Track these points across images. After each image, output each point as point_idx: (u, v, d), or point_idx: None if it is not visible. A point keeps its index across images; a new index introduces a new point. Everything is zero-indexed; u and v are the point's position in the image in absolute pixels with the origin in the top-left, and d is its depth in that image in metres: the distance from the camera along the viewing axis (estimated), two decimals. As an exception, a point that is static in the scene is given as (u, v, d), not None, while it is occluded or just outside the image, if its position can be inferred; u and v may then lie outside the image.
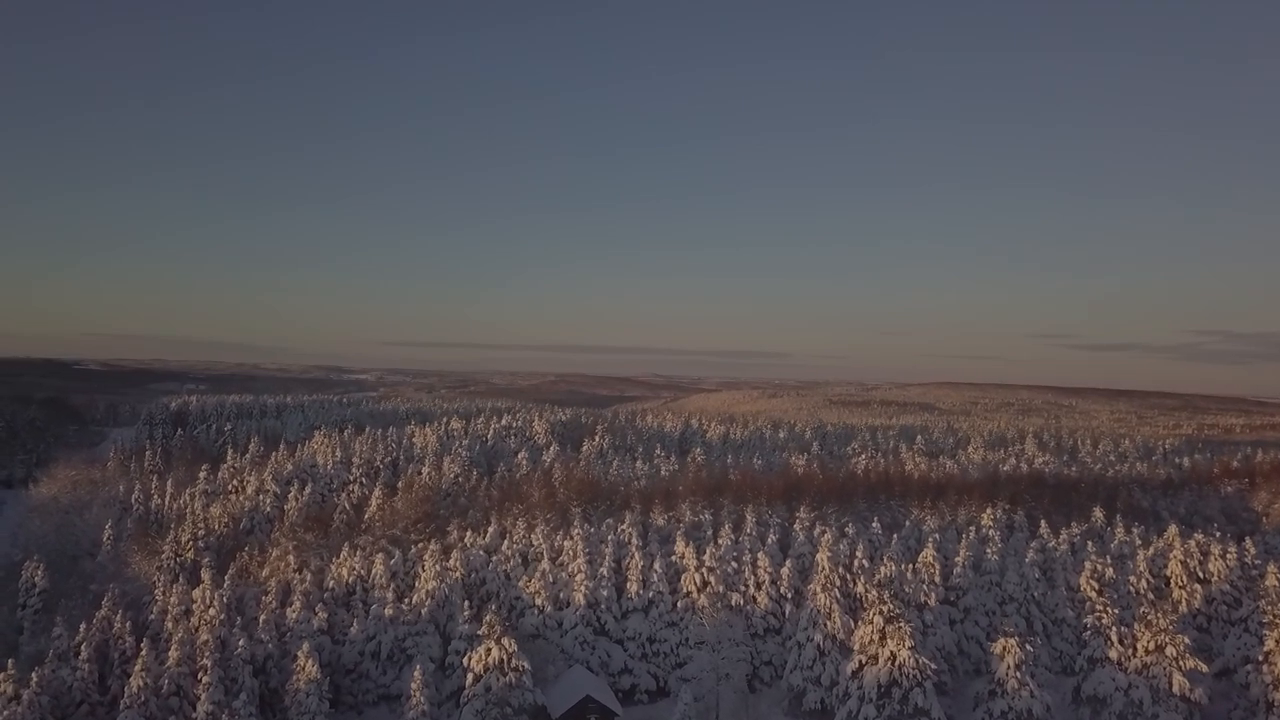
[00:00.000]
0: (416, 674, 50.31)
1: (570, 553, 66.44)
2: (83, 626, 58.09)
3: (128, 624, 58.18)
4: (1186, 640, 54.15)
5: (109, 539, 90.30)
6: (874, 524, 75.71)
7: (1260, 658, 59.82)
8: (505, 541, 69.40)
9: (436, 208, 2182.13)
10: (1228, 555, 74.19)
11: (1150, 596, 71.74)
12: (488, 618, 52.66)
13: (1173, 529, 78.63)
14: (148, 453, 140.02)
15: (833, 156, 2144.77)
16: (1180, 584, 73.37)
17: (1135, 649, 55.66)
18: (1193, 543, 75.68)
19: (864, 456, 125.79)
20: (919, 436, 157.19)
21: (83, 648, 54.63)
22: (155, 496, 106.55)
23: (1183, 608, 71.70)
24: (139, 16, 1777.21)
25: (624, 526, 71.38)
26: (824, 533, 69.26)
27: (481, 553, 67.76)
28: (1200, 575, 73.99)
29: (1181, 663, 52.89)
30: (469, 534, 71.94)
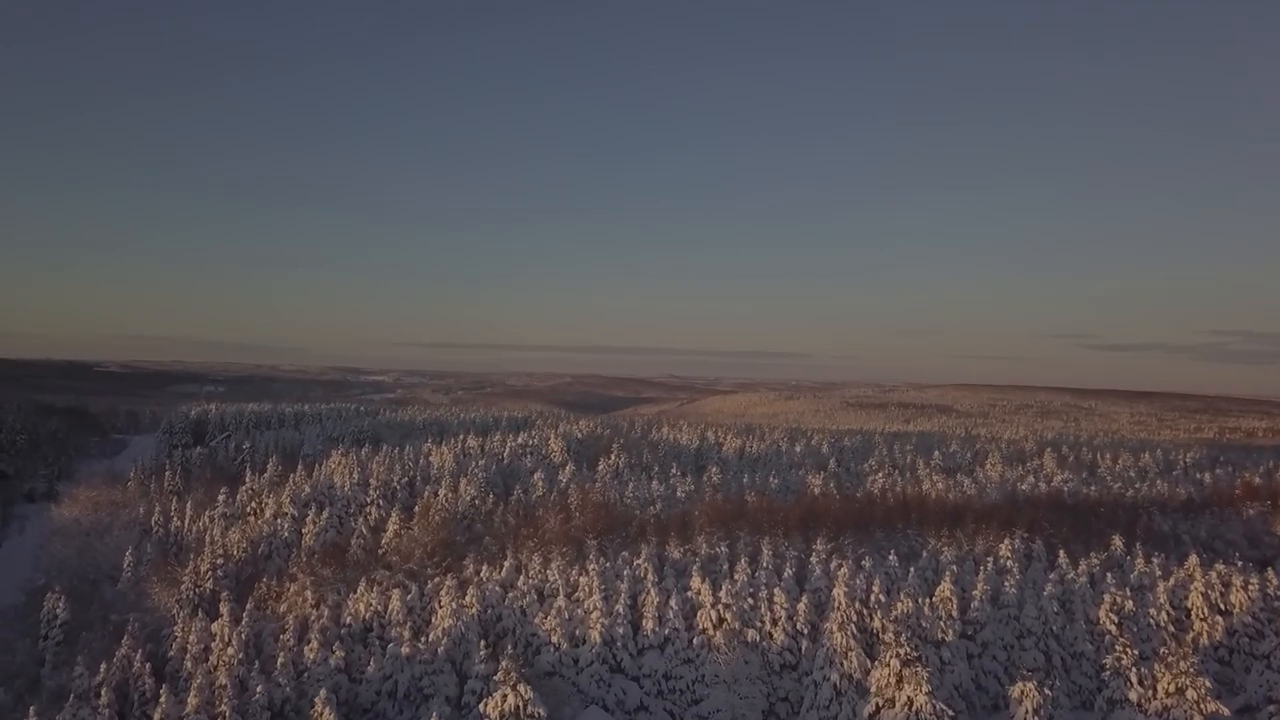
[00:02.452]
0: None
1: (586, 588, 66.54)
2: (103, 666, 58.65)
3: (147, 665, 58.77)
4: (1208, 684, 53.68)
5: (129, 565, 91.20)
6: (891, 556, 75.47)
7: (1283, 698, 59.51)
8: (521, 576, 69.56)
9: (451, 208, 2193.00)
10: (1249, 586, 73.51)
11: (1171, 629, 71.28)
12: (504, 663, 52.72)
13: (1193, 559, 77.98)
14: (167, 473, 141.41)
15: (848, 156, 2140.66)
16: (1201, 616, 72.73)
17: (1155, 690, 55.30)
18: (1214, 574, 75.00)
19: (881, 475, 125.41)
20: (936, 451, 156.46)
21: (103, 690, 55.17)
22: (175, 518, 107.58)
23: (1204, 640, 71.16)
24: (138, 16, 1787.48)
25: (639, 561, 71.41)
26: (840, 566, 69.05)
27: (497, 588, 67.95)
28: (1221, 607, 73.33)
29: (1203, 706, 52.41)
30: (485, 568, 72.16)
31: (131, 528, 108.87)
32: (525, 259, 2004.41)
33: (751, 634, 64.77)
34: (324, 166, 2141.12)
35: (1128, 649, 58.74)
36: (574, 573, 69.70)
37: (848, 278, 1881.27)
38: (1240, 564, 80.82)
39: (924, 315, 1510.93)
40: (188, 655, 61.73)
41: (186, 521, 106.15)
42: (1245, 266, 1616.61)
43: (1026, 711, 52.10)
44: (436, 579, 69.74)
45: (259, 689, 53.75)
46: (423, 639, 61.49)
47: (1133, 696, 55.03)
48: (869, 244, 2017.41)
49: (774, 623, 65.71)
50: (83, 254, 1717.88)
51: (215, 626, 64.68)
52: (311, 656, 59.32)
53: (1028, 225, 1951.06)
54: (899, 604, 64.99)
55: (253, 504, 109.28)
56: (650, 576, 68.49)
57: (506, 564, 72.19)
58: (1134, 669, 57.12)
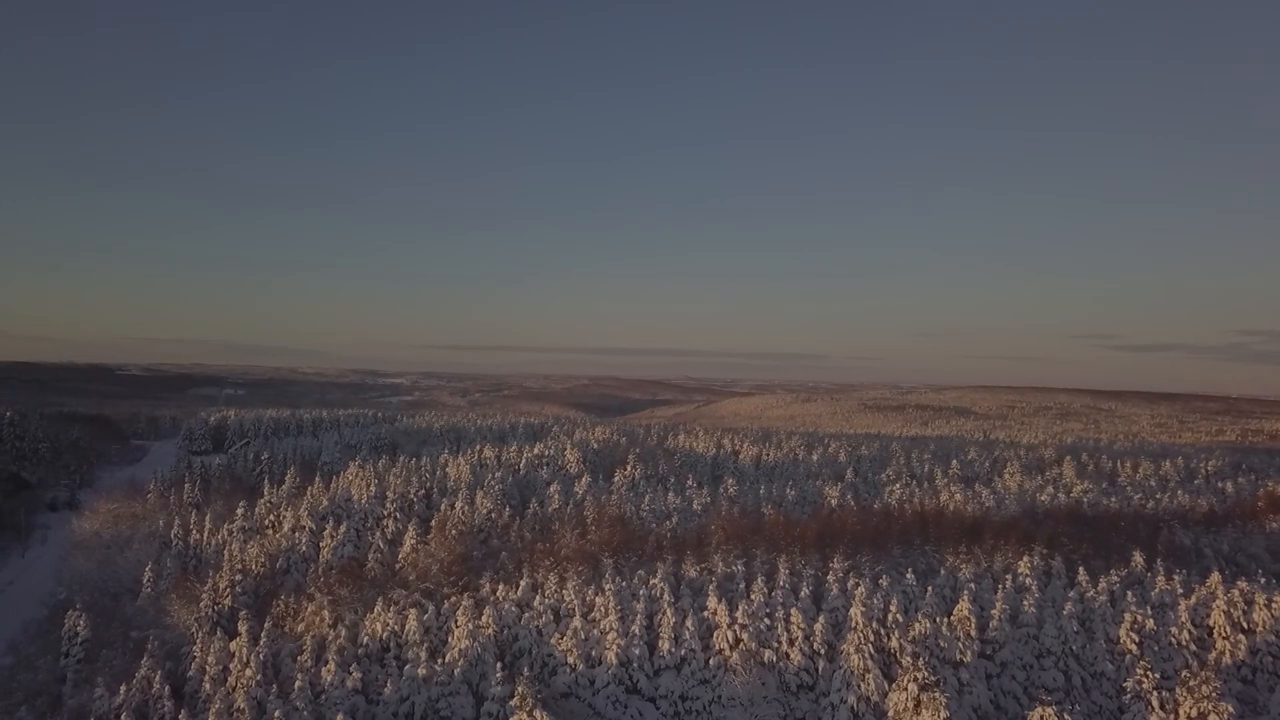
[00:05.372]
0: (449, 746, 50.56)
1: (602, 609, 66.51)
2: (123, 688, 59.12)
3: (166, 686, 59.16)
4: (1230, 708, 53.17)
5: (149, 579, 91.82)
6: (908, 574, 74.95)
7: (1307, 722, 58.80)
8: (537, 596, 69.58)
9: (469, 210, 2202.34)
10: (1272, 604, 72.68)
11: (1193, 648, 70.55)
12: (520, 686, 52.73)
13: (1215, 577, 77.06)
14: (186, 484, 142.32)
15: (866, 157, 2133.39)
16: (1224, 635, 71.94)
17: (1177, 714, 54.83)
18: (1236, 591, 74.16)
19: (899, 486, 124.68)
20: (954, 460, 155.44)
21: (123, 713, 55.58)
22: (194, 531, 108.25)
23: (1226, 660, 70.37)
24: (142, 18, 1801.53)
25: (655, 580, 71.23)
26: (857, 586, 68.68)
27: (514, 607, 67.97)
28: (1244, 625, 72.50)
29: (1225, 732, 51.93)
30: (501, 587, 72.23)
31: (151, 541, 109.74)
32: (543, 261, 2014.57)
33: (768, 655, 64.58)
34: (342, 170, 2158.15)
35: (1148, 672, 58.33)
36: (590, 592, 69.66)
37: (865, 279, 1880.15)
38: (1263, 580, 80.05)
39: (942, 316, 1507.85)
40: (206, 676, 62.06)
41: (205, 535, 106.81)
42: (1272, 266, 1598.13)
43: (1046, 737, 51.62)
44: (453, 598, 69.88)
45: (277, 713, 53.96)
46: (439, 660, 61.60)
47: (1154, 721, 54.63)
48: (887, 245, 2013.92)
49: (791, 643, 65.47)
50: (106, 258, 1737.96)
51: (234, 646, 65.02)
52: (329, 678, 59.50)
53: (1049, 226, 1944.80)
54: (917, 624, 64.65)
55: (271, 517, 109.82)
56: (666, 596, 68.34)
57: (523, 583, 72.19)
58: (1155, 692, 56.71)
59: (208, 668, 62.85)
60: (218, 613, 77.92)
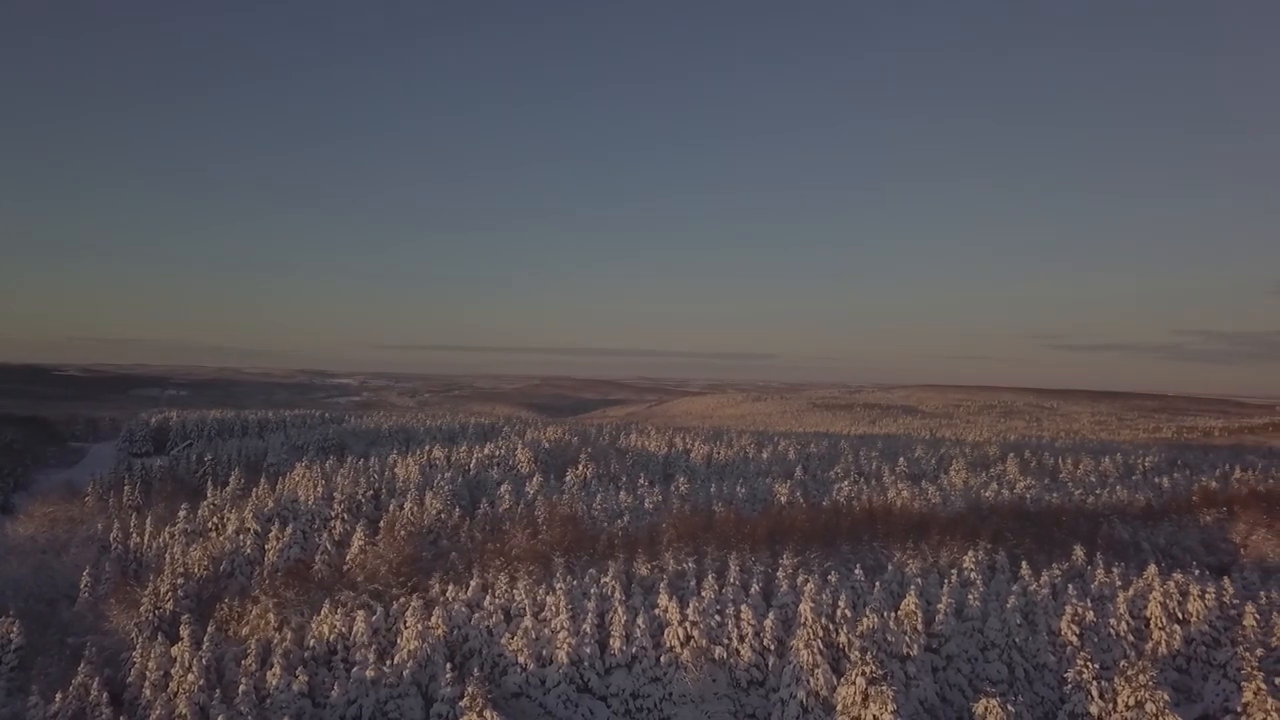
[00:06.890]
0: (398, 748, 50.00)
1: (553, 608, 66.27)
2: (59, 695, 57.52)
3: (104, 693, 57.68)
4: (1166, 696, 54.51)
5: (87, 584, 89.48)
6: (856, 570, 75.86)
7: (1239, 709, 60.49)
8: (488, 596, 69.15)
9: (425, 212, 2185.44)
10: (1206, 595, 74.94)
11: (1130, 639, 72.48)
12: (470, 687, 52.31)
13: (1152, 569, 79.26)
14: (126, 486, 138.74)
15: (820, 158, 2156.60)
16: (1160, 625, 73.98)
17: (1116, 703, 56.11)
18: (1172, 583, 76.32)
19: (847, 483, 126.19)
20: (902, 458, 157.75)
21: (59, 721, 54.11)
22: (134, 535, 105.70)
23: (1162, 650, 72.38)
24: (142, 18, 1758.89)
25: (607, 579, 71.19)
26: (807, 582, 69.31)
27: (464, 608, 67.45)
28: (1179, 616, 74.66)
29: (1161, 719, 53.25)
30: (451, 587, 71.64)
31: (89, 545, 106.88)
32: (494, 262, 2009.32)
33: (719, 651, 64.86)
34: (313, 169, 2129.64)
35: (1088, 662, 59.57)
36: (541, 591, 69.39)
37: (815, 280, 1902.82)
38: (1197, 572, 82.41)
39: (890, 316, 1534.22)
40: (147, 682, 60.67)
41: (146, 538, 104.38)
42: (1206, 268, 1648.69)
43: (990, 728, 52.50)
44: (402, 599, 69.14)
45: (220, 718, 52.92)
46: (388, 661, 60.91)
47: (1094, 710, 55.86)
48: (834, 246, 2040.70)
49: (741, 639, 65.85)
50: (43, 257, 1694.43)
51: (175, 650, 63.66)
52: (274, 682, 58.52)
53: (1013, 225, 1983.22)
54: (865, 619, 65.36)
55: (214, 519, 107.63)
56: (618, 595, 68.32)
57: (473, 583, 71.70)
58: (1095, 682, 57.92)
59: (148, 674, 61.42)
60: (159, 617, 76.27)
